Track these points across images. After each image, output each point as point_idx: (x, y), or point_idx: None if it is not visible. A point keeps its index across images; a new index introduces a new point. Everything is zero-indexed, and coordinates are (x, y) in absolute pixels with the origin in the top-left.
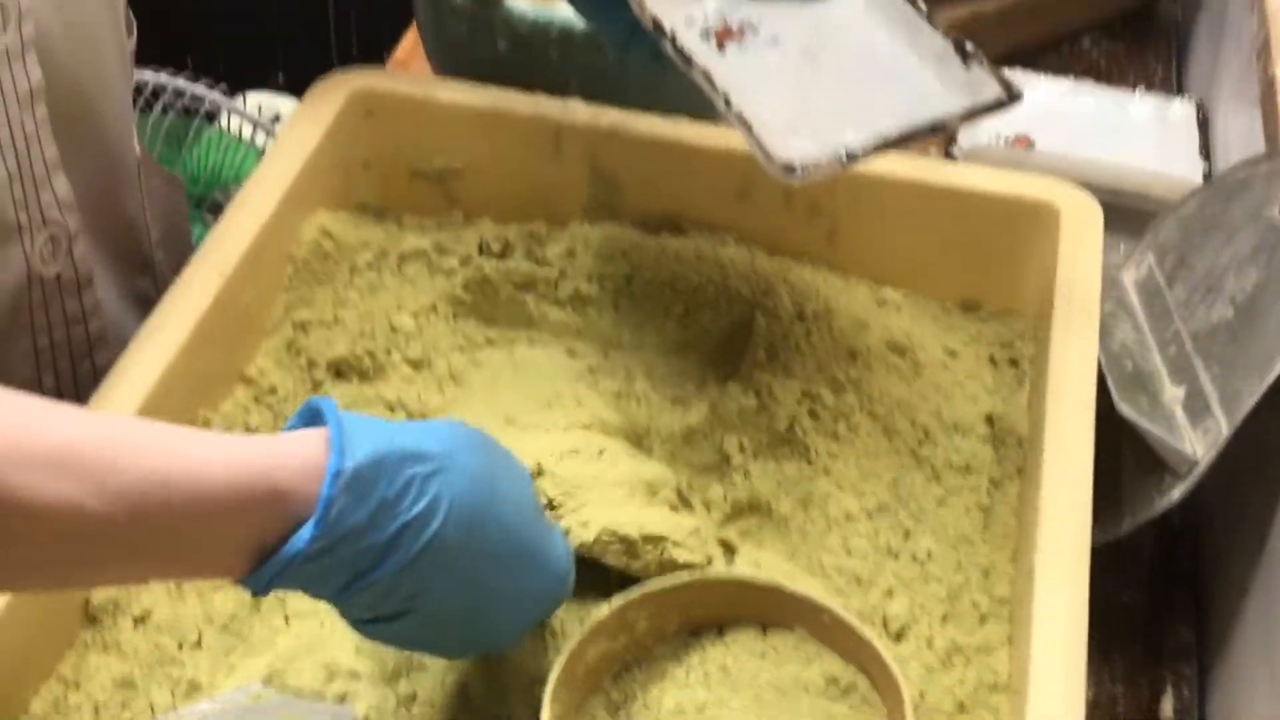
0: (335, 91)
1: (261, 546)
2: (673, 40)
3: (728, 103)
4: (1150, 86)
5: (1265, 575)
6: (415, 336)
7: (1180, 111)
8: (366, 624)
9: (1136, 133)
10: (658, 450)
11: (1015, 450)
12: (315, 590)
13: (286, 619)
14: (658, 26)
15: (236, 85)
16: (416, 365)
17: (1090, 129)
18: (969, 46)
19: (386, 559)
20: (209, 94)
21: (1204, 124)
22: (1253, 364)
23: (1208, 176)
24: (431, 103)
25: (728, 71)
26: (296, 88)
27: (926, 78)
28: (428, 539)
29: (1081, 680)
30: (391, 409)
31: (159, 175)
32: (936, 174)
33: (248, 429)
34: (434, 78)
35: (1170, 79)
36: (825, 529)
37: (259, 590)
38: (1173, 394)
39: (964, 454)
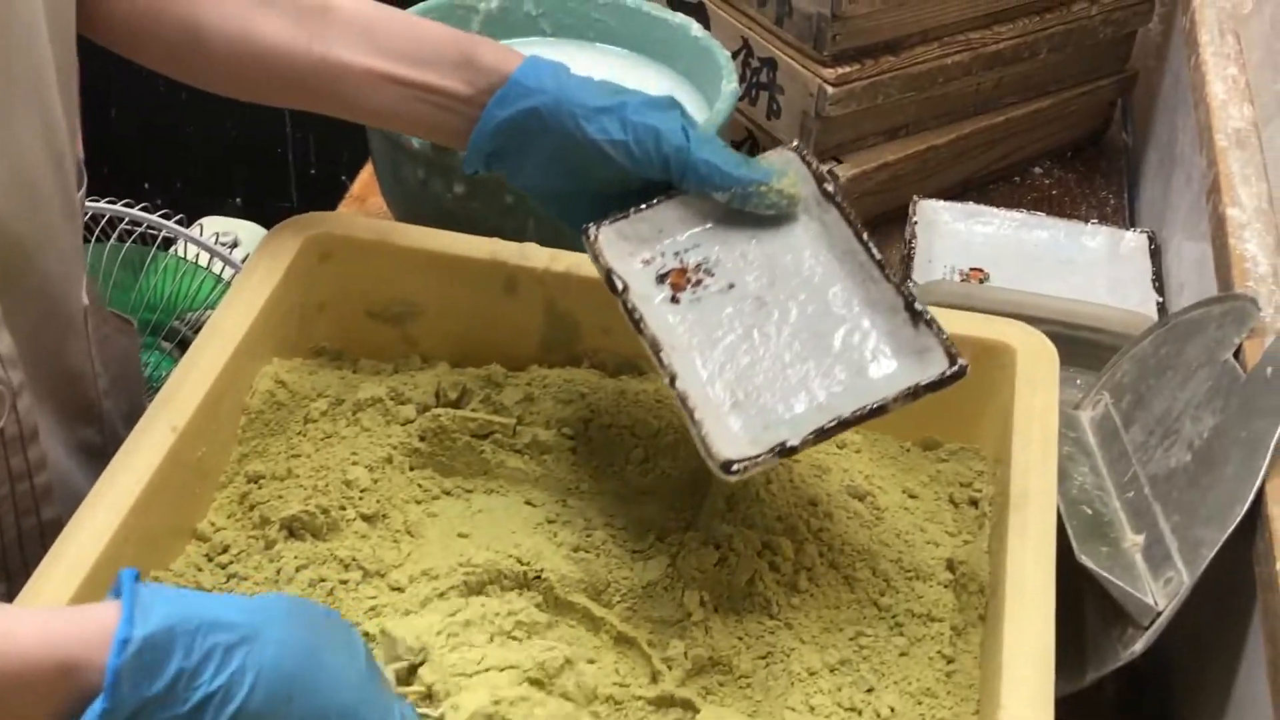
0: (291, 236)
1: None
2: (624, 301)
3: (673, 383)
4: (1102, 215)
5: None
6: (370, 490)
7: (1132, 243)
8: None
9: (1090, 264)
10: (618, 605)
11: (977, 597)
12: None
13: None
14: (610, 282)
15: (194, 210)
16: (371, 520)
17: (1044, 261)
18: (919, 305)
19: None
20: (165, 223)
21: (1156, 254)
22: (1212, 513)
23: (1161, 308)
24: (387, 246)
25: (677, 329)
26: (254, 212)
27: (874, 343)
28: (232, 712)
29: None
30: (346, 567)
31: (110, 323)
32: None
33: (199, 589)
34: (390, 222)
35: (1123, 207)
36: (788, 685)
37: None
38: (1133, 541)
39: (926, 602)
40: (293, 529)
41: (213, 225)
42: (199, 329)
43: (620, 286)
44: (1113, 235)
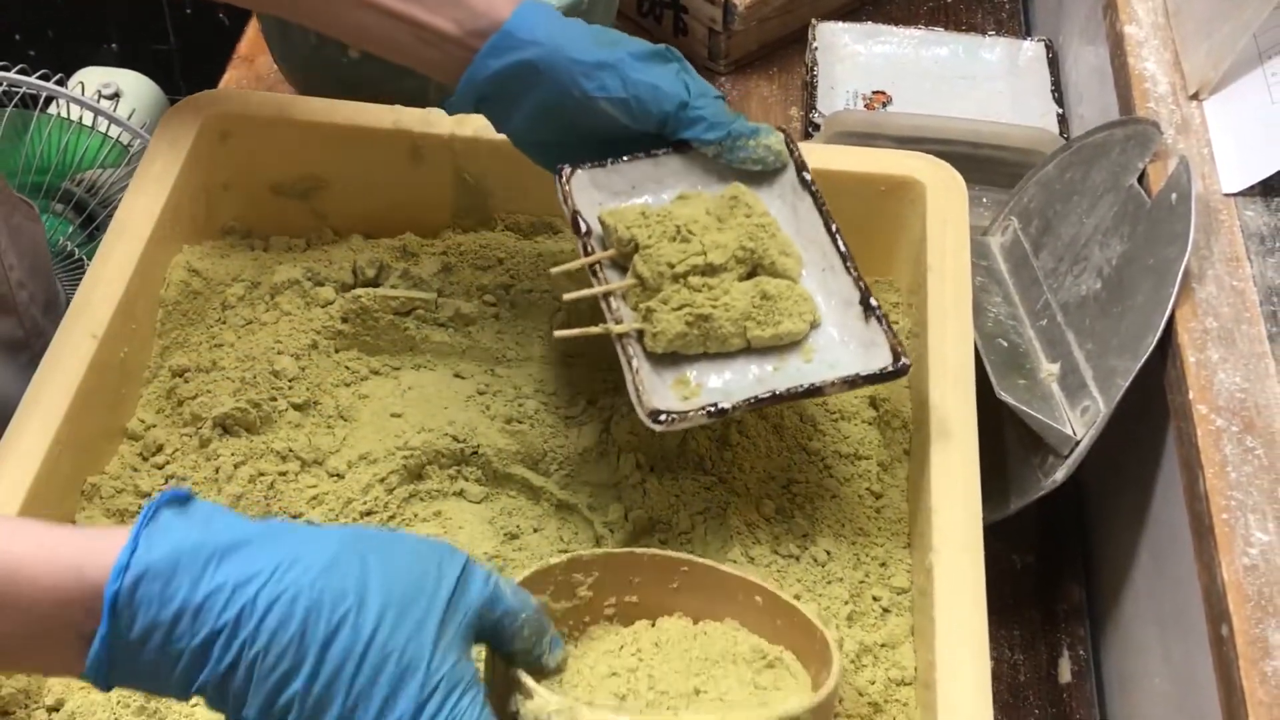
0: (189, 118)
1: (87, 640)
2: (584, 245)
3: (613, 332)
4: (998, 21)
5: (1150, 537)
6: (299, 378)
7: (1030, 52)
8: None
9: (990, 78)
10: (555, 473)
11: (901, 432)
12: (157, 689)
13: None
14: (575, 224)
15: (69, 58)
16: (303, 409)
17: (945, 78)
18: (873, 302)
19: (201, 667)
20: (45, 85)
21: (1054, 64)
22: (1125, 342)
23: (1061, 119)
24: (287, 121)
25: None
26: (131, 57)
27: (825, 328)
28: (236, 650)
29: (986, 673)
30: (284, 458)
31: (19, 211)
32: (805, 157)
33: (139, 493)
34: (288, 96)
35: (1018, 12)
36: (727, 539)
37: (101, 685)
38: (1048, 370)
39: (852, 441)
40: (226, 425)
41: (92, 77)
42: (92, 189)
43: (584, 229)
44: (1010, 46)
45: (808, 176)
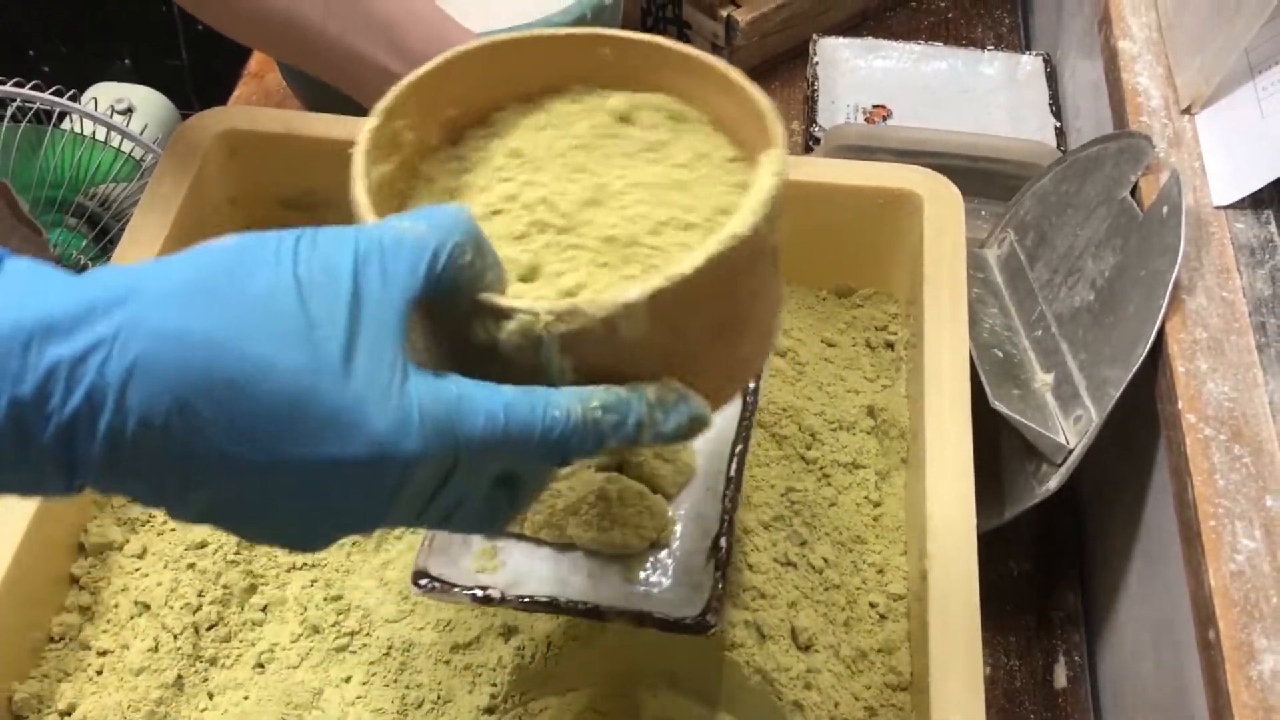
0: (197, 135)
1: None
2: None
3: None
4: (998, 36)
5: (1144, 545)
6: None
7: (1029, 67)
8: None
9: (988, 92)
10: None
11: (898, 441)
12: (46, 490)
13: (210, 695)
14: None
15: (82, 73)
16: None
17: (944, 92)
18: (723, 543)
19: (74, 463)
20: (59, 100)
21: (1052, 78)
22: (1117, 353)
23: (1059, 133)
24: (293, 137)
25: None
26: (145, 73)
27: (669, 548)
28: (103, 436)
29: (979, 678)
30: None
31: (16, 234)
32: (803, 170)
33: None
34: (295, 112)
35: (1018, 26)
36: None
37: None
38: (1043, 380)
39: (850, 450)
40: None
41: (106, 93)
42: (105, 203)
43: None
44: (1009, 61)
45: (752, 389)
